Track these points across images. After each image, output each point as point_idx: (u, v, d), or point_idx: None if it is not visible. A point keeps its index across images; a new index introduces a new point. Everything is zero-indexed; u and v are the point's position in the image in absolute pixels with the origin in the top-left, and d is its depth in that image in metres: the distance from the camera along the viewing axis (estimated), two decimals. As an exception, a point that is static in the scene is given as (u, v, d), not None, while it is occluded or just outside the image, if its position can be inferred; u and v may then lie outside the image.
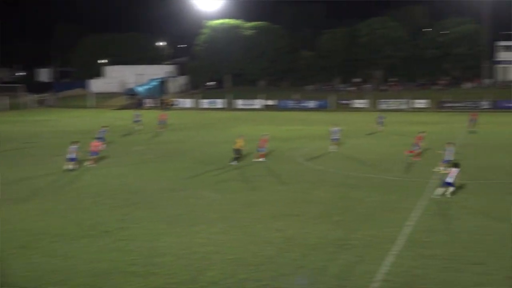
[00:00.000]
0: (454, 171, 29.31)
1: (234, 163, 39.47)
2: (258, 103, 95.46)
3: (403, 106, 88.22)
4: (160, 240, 22.45)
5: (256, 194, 30.60)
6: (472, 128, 57.66)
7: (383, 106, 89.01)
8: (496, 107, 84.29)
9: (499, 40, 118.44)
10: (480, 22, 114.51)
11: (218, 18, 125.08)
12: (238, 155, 40.16)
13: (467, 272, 18.90)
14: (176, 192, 31.08)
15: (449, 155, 34.56)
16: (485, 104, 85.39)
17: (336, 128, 46.06)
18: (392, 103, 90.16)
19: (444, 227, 23.92)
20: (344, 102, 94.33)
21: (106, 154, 42.69)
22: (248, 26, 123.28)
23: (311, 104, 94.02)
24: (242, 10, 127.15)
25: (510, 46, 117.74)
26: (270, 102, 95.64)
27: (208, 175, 36.13)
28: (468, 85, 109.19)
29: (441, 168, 32.46)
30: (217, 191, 31.34)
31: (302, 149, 47.06)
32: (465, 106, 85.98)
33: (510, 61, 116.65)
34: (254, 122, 71.65)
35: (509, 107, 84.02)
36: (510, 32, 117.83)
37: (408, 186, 32.02)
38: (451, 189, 29.26)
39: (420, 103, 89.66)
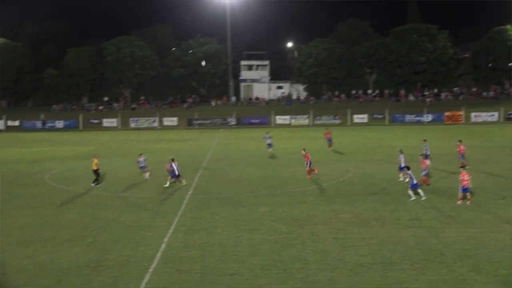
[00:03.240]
0: (409, 173, 32.23)
1: (93, 184, 37.40)
2: (1, 124, 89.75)
3: (155, 124, 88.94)
4: None
5: (1, 221, 28.56)
6: (332, 146, 55.56)
7: (133, 125, 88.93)
8: (241, 124, 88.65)
9: (243, 59, 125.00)
10: (224, 42, 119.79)
11: None
12: (97, 176, 37.78)
13: (222, 284, 19.39)
14: None
15: (403, 162, 37.00)
16: (231, 120, 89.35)
17: (142, 158, 41.46)
18: (143, 122, 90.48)
19: (198, 241, 24.33)
20: (93, 121, 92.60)
21: None
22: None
23: (59, 124, 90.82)
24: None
25: (252, 65, 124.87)
26: (12, 123, 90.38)
27: None
28: (215, 102, 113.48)
29: (400, 175, 36.85)
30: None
31: (52, 170, 45.11)
32: (214, 123, 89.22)
33: (252, 79, 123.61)
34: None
35: (251, 123, 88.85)
36: (251, 52, 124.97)
37: (162, 204, 32.13)
38: (419, 190, 31.96)
39: (170, 120, 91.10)
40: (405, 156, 37.87)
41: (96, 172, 37.95)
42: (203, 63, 49.53)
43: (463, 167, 30.80)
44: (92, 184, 37.75)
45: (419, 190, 32.00)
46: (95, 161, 37.94)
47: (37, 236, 25.55)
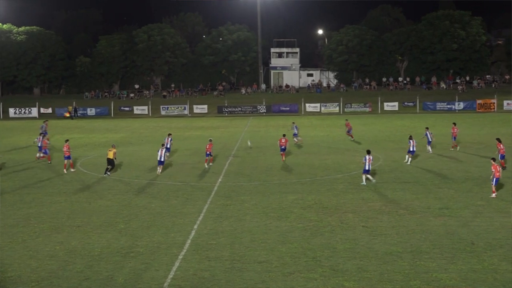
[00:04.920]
0: (366, 158, 32.71)
1: (107, 174, 37.39)
2: (34, 111, 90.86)
3: (185, 112, 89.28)
4: None
5: (34, 207, 29.07)
6: (351, 137, 53.43)
7: (164, 112, 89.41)
8: (271, 111, 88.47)
9: (273, 46, 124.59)
10: (254, 29, 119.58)
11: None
12: (111, 165, 37.82)
13: (251, 271, 19.50)
14: None
15: (412, 146, 39.83)
16: (261, 108, 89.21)
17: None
18: (174, 109, 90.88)
19: (228, 229, 24.50)
20: (124, 108, 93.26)
21: None
22: (18, 31, 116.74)
23: (91, 111, 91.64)
24: (10, 14, 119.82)
25: (282, 52, 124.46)
26: (45, 111, 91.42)
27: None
28: (245, 90, 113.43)
29: (407, 156, 40.37)
30: (-9, 205, 29.31)
31: (83, 157, 45.65)
32: (243, 111, 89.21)
33: (282, 67, 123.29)
34: (29, 132, 67.99)
35: (281, 111, 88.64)
36: (281, 40, 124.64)
37: (191, 191, 32.36)
38: (369, 176, 33.05)
39: (200, 108, 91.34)
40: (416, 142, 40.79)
41: (111, 161, 37.69)
42: (249, 143, 49.83)
43: (493, 159, 30.50)
44: (108, 173, 37.50)
45: (368, 176, 32.96)
46: (114, 150, 37.95)
47: (69, 222, 25.95)
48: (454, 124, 47.21)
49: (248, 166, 40.17)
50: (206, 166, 39.64)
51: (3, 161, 42.79)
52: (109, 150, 38.14)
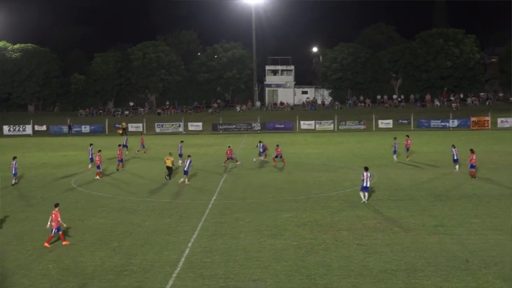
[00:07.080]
0: (363, 174, 32.57)
1: (168, 178, 41.28)
2: (29, 129, 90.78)
3: (180, 129, 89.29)
4: None
5: (27, 225, 28.93)
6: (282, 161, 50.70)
7: (159, 130, 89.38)
8: (265, 128, 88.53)
9: (268, 64, 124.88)
10: (249, 47, 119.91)
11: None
12: (170, 171, 41.76)
13: (246, 289, 19.41)
14: None
15: (455, 154, 43.22)
16: (256, 125, 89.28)
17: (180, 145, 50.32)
18: (168, 126, 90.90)
19: (222, 247, 24.40)
20: (119, 126, 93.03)
21: None
22: (13, 48, 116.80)
23: (86, 129, 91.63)
24: (5, 31, 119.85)
25: (277, 70, 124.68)
26: (40, 128, 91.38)
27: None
28: (240, 107, 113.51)
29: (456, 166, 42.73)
30: (-16, 223, 29.13)
31: (78, 175, 45.53)
32: (238, 128, 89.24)
33: (277, 84, 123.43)
34: (23, 149, 67.84)
35: (276, 128, 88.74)
36: (276, 57, 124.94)
37: (186, 209, 32.26)
38: (366, 193, 32.92)
39: (195, 125, 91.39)
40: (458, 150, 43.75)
41: (169, 168, 41.52)
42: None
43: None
44: (167, 177, 41.46)
45: (365, 193, 32.84)
46: (171, 158, 41.82)
47: (62, 240, 25.82)
48: (408, 136, 51.39)
49: (242, 184, 40.13)
50: (238, 162, 48.13)
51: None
52: (167, 159, 42.00)
